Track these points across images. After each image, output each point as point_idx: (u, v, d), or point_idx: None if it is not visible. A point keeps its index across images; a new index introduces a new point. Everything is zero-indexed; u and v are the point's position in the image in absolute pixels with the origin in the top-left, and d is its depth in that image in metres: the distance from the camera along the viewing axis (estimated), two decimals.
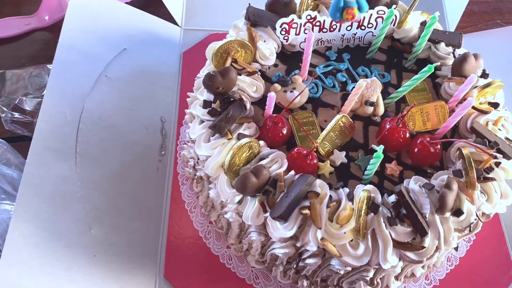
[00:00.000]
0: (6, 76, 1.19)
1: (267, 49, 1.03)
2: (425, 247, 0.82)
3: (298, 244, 0.85)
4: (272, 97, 0.88)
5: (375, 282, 0.95)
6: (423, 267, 1.01)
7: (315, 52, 1.08)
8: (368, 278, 0.89)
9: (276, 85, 1.00)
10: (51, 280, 0.87)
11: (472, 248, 1.07)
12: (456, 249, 0.95)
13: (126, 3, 1.35)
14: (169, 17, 1.35)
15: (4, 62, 1.25)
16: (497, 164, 0.90)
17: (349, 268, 0.87)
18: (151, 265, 0.99)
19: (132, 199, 1.04)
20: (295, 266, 0.91)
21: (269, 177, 0.85)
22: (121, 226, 1.00)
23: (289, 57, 1.07)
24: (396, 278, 0.98)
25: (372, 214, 0.83)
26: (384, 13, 1.01)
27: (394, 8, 1.05)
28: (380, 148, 0.81)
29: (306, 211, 0.82)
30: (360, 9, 0.84)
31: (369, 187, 0.86)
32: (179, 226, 1.05)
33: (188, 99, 1.02)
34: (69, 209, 0.95)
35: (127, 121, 1.12)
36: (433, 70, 0.89)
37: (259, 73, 1.02)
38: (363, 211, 0.80)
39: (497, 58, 1.32)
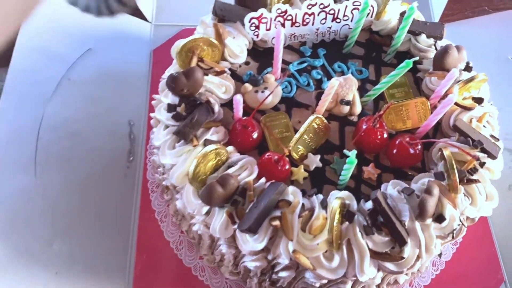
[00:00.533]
0: None
1: (237, 46, 0.96)
2: (404, 257, 0.77)
3: (270, 257, 0.80)
4: (238, 100, 0.82)
5: None
6: (406, 274, 0.95)
7: (288, 48, 1.02)
8: None
9: (247, 85, 0.93)
10: None
11: (458, 251, 1.02)
12: (440, 255, 0.89)
13: None
14: (139, 13, 1.27)
15: None
16: (482, 164, 0.85)
17: (324, 281, 0.81)
18: (119, 280, 0.94)
19: (98, 210, 0.98)
20: (268, 279, 0.85)
21: (238, 186, 0.80)
22: (86, 240, 0.94)
23: (261, 54, 1.01)
24: (378, 286, 0.93)
25: (347, 223, 0.78)
26: (360, 4, 0.94)
27: None
28: (352, 153, 0.75)
29: (276, 223, 0.76)
30: None
31: (344, 193, 0.81)
32: (148, 237, 0.99)
33: (153, 102, 0.95)
34: (29, 224, 0.90)
35: (91, 126, 1.05)
36: (411, 66, 0.83)
37: (228, 72, 0.96)
38: (336, 221, 0.75)
39: (485, 47, 1.26)
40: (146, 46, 1.23)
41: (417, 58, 0.83)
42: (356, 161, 0.76)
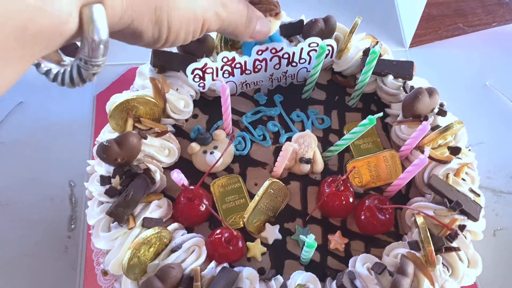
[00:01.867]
0: None
1: (180, 99, 0.85)
2: None
3: None
4: (178, 179, 0.70)
5: None
6: None
7: (241, 95, 0.90)
8: None
9: (193, 144, 0.82)
10: None
11: None
12: None
13: None
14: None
15: None
16: (462, 227, 0.74)
17: None
18: None
19: None
20: None
21: (182, 277, 0.68)
22: None
23: (211, 104, 0.89)
24: None
25: None
26: (317, 45, 0.83)
27: (332, 37, 0.89)
28: (310, 237, 0.64)
29: None
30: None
31: (306, 277, 0.70)
32: None
33: (87, 168, 0.83)
34: None
35: (25, 194, 0.93)
36: (375, 123, 0.72)
37: (173, 130, 0.84)
38: None
39: (461, 72, 1.16)
40: (88, 92, 1.10)
41: (381, 114, 0.72)
42: (315, 244, 0.65)
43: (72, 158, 1.00)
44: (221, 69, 0.82)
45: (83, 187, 0.98)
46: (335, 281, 0.71)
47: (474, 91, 1.11)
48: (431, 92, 0.82)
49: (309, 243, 0.65)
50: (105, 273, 0.81)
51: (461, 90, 1.11)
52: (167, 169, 0.82)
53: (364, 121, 0.72)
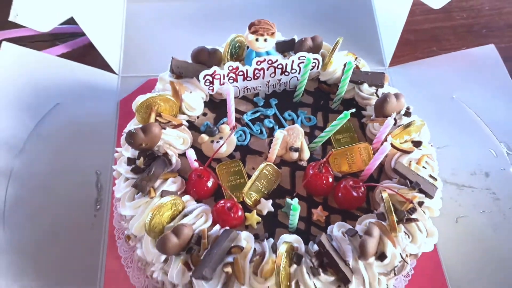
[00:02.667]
0: None
1: (193, 100, 1.03)
2: None
3: None
4: (189, 155, 0.88)
5: None
6: None
7: (243, 98, 1.09)
8: None
9: (203, 135, 1.00)
10: None
11: (410, 282, 1.07)
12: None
13: (62, 54, 1.35)
14: (106, 66, 1.35)
15: None
16: (420, 203, 0.91)
17: None
18: None
19: (65, 259, 1.02)
20: None
21: (192, 235, 0.85)
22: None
23: (218, 105, 1.08)
24: None
25: (295, 265, 0.83)
26: (305, 58, 1.02)
27: (319, 53, 1.08)
28: (294, 201, 0.82)
29: (228, 269, 0.82)
30: None
31: (292, 237, 0.87)
32: (115, 282, 1.03)
33: (115, 155, 1.01)
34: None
35: (59, 178, 1.11)
36: (349, 117, 0.90)
37: (186, 124, 1.02)
38: (283, 265, 0.80)
39: (432, 87, 1.35)
40: (113, 97, 1.29)
41: (353, 110, 0.91)
42: (299, 207, 0.82)
43: (99, 151, 1.18)
44: (227, 76, 1.02)
45: (108, 175, 1.16)
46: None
47: (443, 103, 1.30)
48: (397, 96, 1.01)
49: (294, 206, 0.82)
50: (128, 237, 0.98)
51: (432, 102, 1.30)
52: (182, 155, 1.00)
53: (340, 116, 0.91)
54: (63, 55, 1.36)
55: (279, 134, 0.89)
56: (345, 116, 0.90)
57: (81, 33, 1.38)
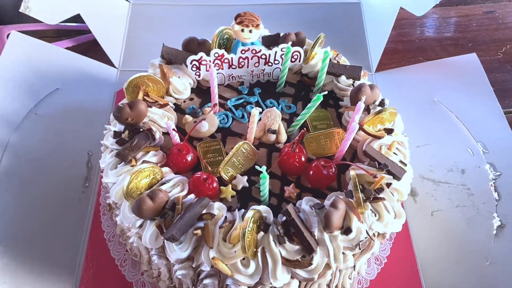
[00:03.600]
0: None
1: (181, 84, 1.11)
2: (312, 264, 0.85)
3: (194, 265, 0.89)
4: (169, 125, 0.94)
5: None
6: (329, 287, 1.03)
7: (228, 86, 1.16)
8: None
9: (187, 116, 1.07)
10: None
11: (383, 270, 1.09)
12: (354, 267, 0.97)
13: (67, 48, 1.44)
14: (107, 61, 1.44)
15: None
16: (388, 184, 0.95)
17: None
18: None
19: (51, 228, 1.07)
20: (194, 286, 0.93)
21: (167, 200, 0.90)
22: (37, 255, 1.03)
23: (204, 92, 1.15)
24: None
25: (262, 233, 0.87)
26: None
27: (302, 47, 1.15)
28: (263, 169, 0.86)
29: (197, 232, 0.86)
30: None
31: (262, 207, 0.91)
32: (96, 254, 1.08)
33: (104, 132, 1.08)
34: None
35: (53, 155, 1.17)
36: (321, 99, 0.96)
37: (171, 105, 1.09)
38: (248, 229, 0.84)
39: (415, 91, 1.41)
40: (110, 88, 1.37)
41: (325, 93, 0.97)
42: (267, 176, 0.87)
43: (92, 135, 1.25)
44: (213, 62, 1.09)
45: (98, 157, 1.22)
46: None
47: (425, 105, 1.35)
48: (372, 87, 1.07)
49: (263, 175, 0.87)
50: (110, 206, 1.03)
51: (415, 104, 1.35)
52: (165, 134, 1.06)
53: (314, 98, 0.97)
54: (67, 49, 1.45)
55: (254, 111, 0.95)
56: (318, 98, 0.96)
57: (86, 31, 1.48)
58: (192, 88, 1.14)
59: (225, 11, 1.59)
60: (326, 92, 0.97)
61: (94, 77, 1.37)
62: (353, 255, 0.92)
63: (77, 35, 1.53)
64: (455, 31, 1.64)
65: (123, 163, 0.97)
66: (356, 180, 0.92)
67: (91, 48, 1.48)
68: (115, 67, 1.43)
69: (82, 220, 1.12)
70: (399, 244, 1.13)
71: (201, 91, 1.15)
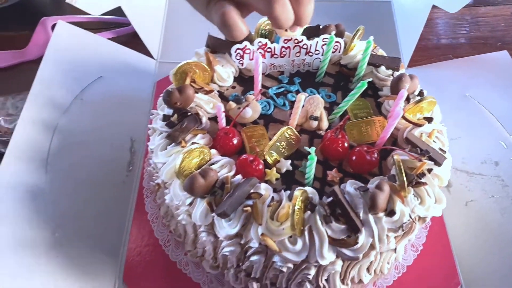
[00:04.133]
0: None
1: (225, 72, 1.14)
2: (358, 243, 0.88)
3: (243, 242, 0.92)
4: (219, 107, 0.98)
5: (321, 285, 1.00)
6: (369, 272, 1.06)
7: (269, 76, 1.20)
8: (311, 277, 0.95)
9: (231, 102, 1.10)
10: (12, 277, 0.93)
11: (419, 257, 1.12)
12: (395, 250, 1.00)
13: (109, 39, 1.49)
14: (147, 53, 1.48)
15: None
16: (429, 170, 0.98)
17: (291, 266, 0.92)
18: (111, 269, 1.05)
19: (97, 208, 1.11)
20: (241, 265, 0.96)
21: (217, 179, 0.93)
22: (85, 232, 1.07)
23: (246, 80, 1.18)
24: (343, 282, 1.03)
25: (309, 212, 0.90)
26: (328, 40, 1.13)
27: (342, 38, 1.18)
28: (312, 150, 0.90)
29: (248, 208, 0.89)
30: None
31: (308, 189, 0.94)
32: (141, 234, 1.12)
33: (151, 116, 1.12)
34: (36, 213, 1.03)
35: (98, 139, 1.21)
36: (366, 86, 0.99)
37: (216, 92, 1.13)
38: (297, 207, 0.87)
39: (447, 86, 1.43)
40: (150, 78, 1.42)
41: (370, 79, 1.00)
42: (316, 157, 0.90)
43: (135, 122, 1.30)
44: (257, 51, 1.13)
45: (141, 144, 1.26)
46: (329, 198, 0.94)
47: (457, 100, 1.38)
48: (412, 77, 1.10)
49: (311, 156, 0.90)
50: (158, 186, 1.07)
51: (446, 99, 1.38)
52: (211, 119, 1.09)
53: (358, 85, 1.00)
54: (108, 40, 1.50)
55: (300, 95, 0.98)
56: (363, 84, 0.99)
57: (126, 23, 1.53)
58: (234, 77, 1.18)
59: None
60: (371, 79, 1.00)
61: (134, 67, 1.41)
62: (395, 237, 0.95)
63: (116, 28, 1.58)
64: (483, 30, 1.67)
65: (173, 144, 1.00)
66: (401, 164, 0.94)
67: (130, 40, 1.53)
68: (153, 58, 1.48)
69: (126, 202, 1.16)
70: (434, 232, 1.16)
71: (242, 79, 1.19)
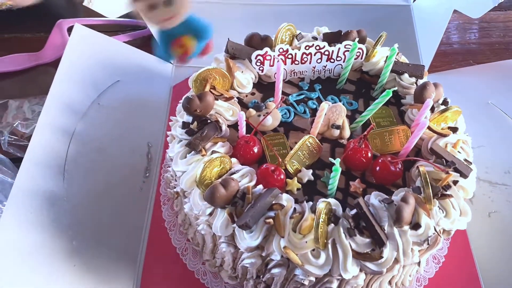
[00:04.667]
0: (9, 105, 1.30)
1: (244, 78, 1.13)
2: (383, 257, 0.86)
3: (264, 254, 0.90)
4: (241, 115, 0.96)
5: None
6: (390, 285, 1.03)
7: (289, 82, 1.18)
8: None
9: (251, 109, 1.09)
10: (29, 286, 0.92)
11: (441, 269, 1.09)
12: (419, 264, 0.97)
13: (125, 42, 1.48)
14: None
15: (9, 93, 1.37)
16: (455, 182, 0.95)
17: (313, 279, 0.90)
18: (128, 277, 1.04)
19: (115, 216, 1.10)
20: (261, 276, 0.95)
21: (238, 189, 0.91)
22: (103, 240, 1.06)
23: (266, 87, 1.16)
24: None
25: (333, 224, 0.88)
26: (351, 47, 1.10)
27: (364, 44, 1.16)
28: (337, 161, 0.88)
29: (270, 220, 0.87)
30: (198, 38, 0.70)
31: (331, 200, 0.92)
32: (158, 242, 1.10)
33: (170, 123, 1.10)
34: (54, 221, 1.02)
35: (115, 144, 1.20)
36: (391, 94, 0.97)
37: (236, 99, 1.11)
38: (321, 220, 0.85)
39: (468, 94, 1.41)
40: (167, 82, 1.41)
41: (395, 88, 0.98)
42: (340, 168, 0.88)
43: (151, 127, 1.28)
44: (277, 57, 1.11)
45: (158, 149, 1.25)
46: (353, 210, 0.92)
47: (479, 108, 1.35)
48: (436, 85, 1.07)
49: (335, 167, 0.88)
50: (177, 194, 1.05)
51: (468, 106, 1.33)
52: (230, 126, 1.08)
53: (383, 94, 0.98)
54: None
55: (324, 104, 0.96)
56: (388, 93, 0.96)
57: (142, 26, 1.52)
58: (253, 83, 1.16)
59: (278, 10, 1.61)
60: (396, 88, 0.98)
61: (151, 71, 1.40)
62: (419, 250, 0.92)
63: (131, 31, 1.56)
64: (504, 36, 1.64)
65: (192, 152, 0.99)
66: (427, 175, 0.92)
67: (146, 43, 1.51)
68: (170, 62, 1.46)
69: (143, 209, 1.14)
70: (457, 243, 1.13)
71: (262, 86, 1.17)
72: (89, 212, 1.08)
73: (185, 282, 1.05)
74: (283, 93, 1.15)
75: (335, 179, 0.92)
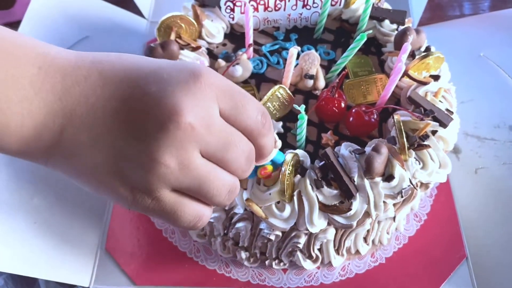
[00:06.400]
0: None
1: (214, 27, 1.06)
2: (351, 209, 0.81)
3: (227, 208, 0.85)
4: (202, 62, 0.90)
5: (314, 255, 0.94)
6: (366, 242, 0.98)
7: (263, 32, 1.11)
8: (301, 246, 0.88)
9: (220, 60, 1.02)
10: None
11: (422, 228, 1.04)
12: (394, 219, 0.92)
13: None
14: (138, 12, 1.40)
15: None
16: (433, 132, 0.89)
17: (279, 233, 0.86)
18: (93, 237, 1.00)
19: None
20: (226, 232, 0.90)
21: None
22: (66, 199, 1.01)
23: (238, 37, 1.10)
24: (338, 252, 0.96)
25: (299, 176, 0.83)
26: None
27: None
28: (302, 108, 0.81)
29: None
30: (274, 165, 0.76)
31: (299, 151, 0.86)
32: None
33: None
34: (13, 178, 0.98)
35: None
36: (365, 38, 0.89)
37: (205, 49, 1.04)
38: (288, 172, 0.79)
39: (459, 46, 1.32)
40: (140, 39, 1.34)
41: (370, 31, 0.91)
42: (306, 116, 0.82)
43: None
44: (249, 3, 1.03)
45: None
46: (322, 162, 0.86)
47: (470, 60, 1.27)
48: (418, 31, 1.00)
49: (300, 115, 0.82)
50: None
51: (459, 59, 1.27)
52: None
53: (357, 38, 0.90)
54: None
55: (293, 50, 0.89)
56: (362, 37, 0.89)
57: None
58: (225, 34, 1.09)
59: None
60: (370, 31, 0.91)
61: (124, 27, 1.33)
62: (394, 204, 0.87)
63: None
64: None
65: None
66: (401, 124, 0.86)
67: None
68: (145, 18, 1.39)
69: None
70: (440, 201, 1.08)
71: (234, 36, 1.10)
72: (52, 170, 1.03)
73: (153, 241, 1.01)
74: (257, 43, 1.08)
75: (301, 128, 0.85)
